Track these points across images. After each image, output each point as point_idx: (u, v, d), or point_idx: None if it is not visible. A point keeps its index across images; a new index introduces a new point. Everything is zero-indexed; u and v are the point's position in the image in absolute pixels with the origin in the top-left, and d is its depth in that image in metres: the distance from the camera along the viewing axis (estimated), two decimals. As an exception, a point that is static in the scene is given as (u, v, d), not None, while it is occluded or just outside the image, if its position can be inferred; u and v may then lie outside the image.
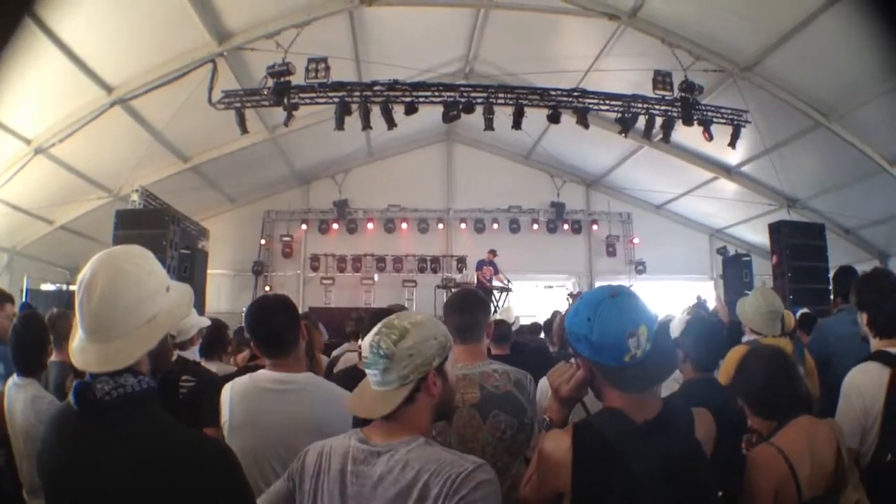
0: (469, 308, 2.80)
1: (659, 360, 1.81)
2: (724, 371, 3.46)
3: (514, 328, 7.07)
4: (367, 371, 1.81)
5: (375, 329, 1.81)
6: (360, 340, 5.44)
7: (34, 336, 3.45)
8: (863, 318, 2.98)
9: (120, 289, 1.61)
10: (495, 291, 14.27)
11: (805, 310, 7.35)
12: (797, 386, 2.48)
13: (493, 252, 14.71)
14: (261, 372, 2.65)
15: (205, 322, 4.45)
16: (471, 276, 15.68)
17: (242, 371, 3.47)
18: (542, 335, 8.60)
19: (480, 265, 14.48)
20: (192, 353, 4.41)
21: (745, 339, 4.06)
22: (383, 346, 1.75)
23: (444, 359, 1.81)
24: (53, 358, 3.84)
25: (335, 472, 1.77)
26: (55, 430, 1.68)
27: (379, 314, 3.48)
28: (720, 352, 3.36)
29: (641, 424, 1.72)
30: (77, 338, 1.65)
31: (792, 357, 2.73)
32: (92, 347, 1.61)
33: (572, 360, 1.91)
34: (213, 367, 4.40)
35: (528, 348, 5.80)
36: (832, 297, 5.12)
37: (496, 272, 14.42)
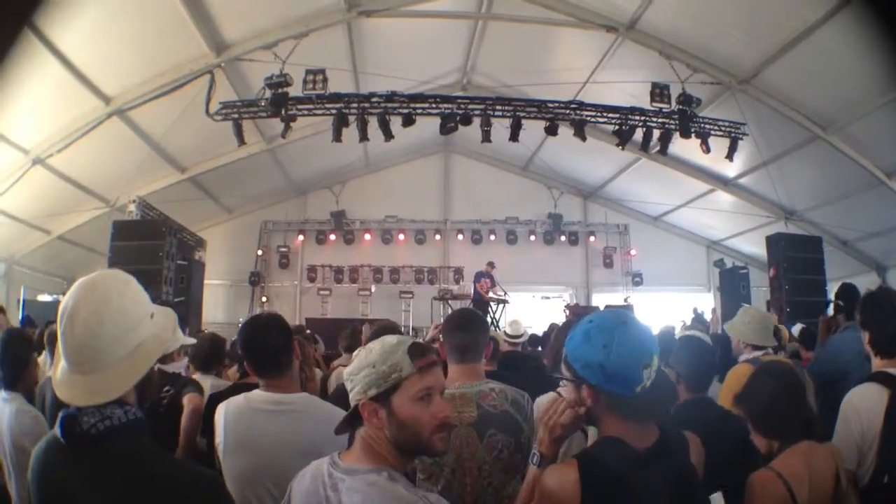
0: (469, 328, 2.79)
1: (662, 388, 1.81)
2: (727, 389, 3.43)
3: (523, 339, 7.10)
4: None
5: None
6: (353, 354, 5.43)
7: (18, 352, 3.47)
8: (865, 336, 2.98)
9: (103, 319, 1.57)
10: (492, 303, 14.24)
11: (802, 325, 7.33)
12: (802, 409, 2.48)
13: (491, 264, 14.69)
14: (255, 392, 2.63)
15: (189, 340, 4.43)
16: (468, 287, 15.66)
17: (234, 388, 3.46)
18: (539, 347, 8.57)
19: (479, 277, 14.45)
20: (175, 369, 4.38)
21: (742, 357, 4.01)
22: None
23: (383, 390, 1.72)
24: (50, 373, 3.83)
25: (304, 491, 1.76)
26: (43, 460, 1.65)
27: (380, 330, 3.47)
28: (713, 371, 3.33)
29: (643, 453, 1.69)
30: (60, 368, 1.62)
31: (801, 378, 2.72)
32: (77, 379, 1.58)
33: (561, 389, 1.87)
34: (209, 381, 4.34)
35: (525, 366, 5.76)
36: (832, 312, 5.05)
37: (493, 284, 14.39)
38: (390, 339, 1.81)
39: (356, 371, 1.74)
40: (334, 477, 1.72)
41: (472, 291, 14.52)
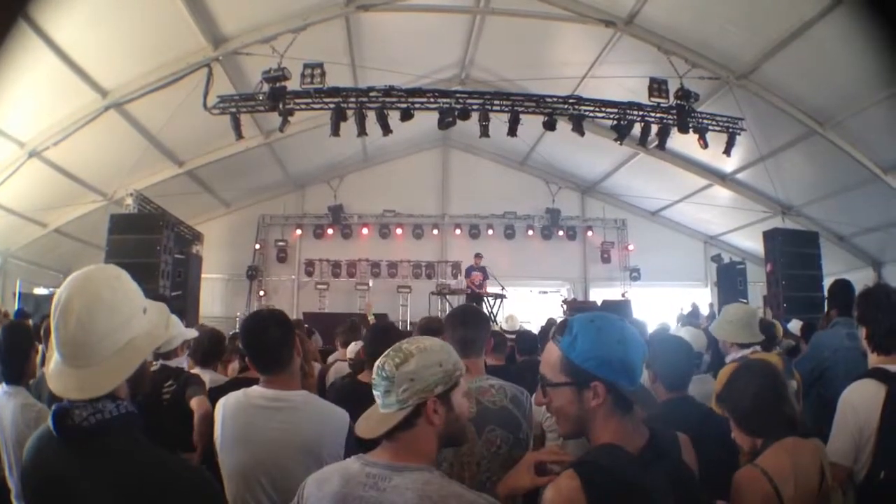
0: (471, 322, 2.80)
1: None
2: (718, 389, 3.44)
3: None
4: (374, 392, 1.81)
5: (385, 352, 1.82)
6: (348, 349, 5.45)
7: (20, 345, 3.43)
8: (863, 332, 3.00)
9: (95, 315, 1.57)
10: (488, 298, 14.21)
11: (800, 321, 7.35)
12: (785, 406, 2.45)
13: (478, 256, 14.64)
14: (254, 388, 2.62)
15: (191, 334, 4.42)
16: (463, 282, 15.67)
17: (233, 383, 3.45)
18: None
19: (469, 272, 14.42)
20: (177, 364, 4.38)
21: (730, 357, 3.98)
22: (386, 369, 1.75)
23: (449, 387, 1.78)
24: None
25: (334, 494, 1.72)
26: (36, 453, 1.66)
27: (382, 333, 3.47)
28: (691, 371, 3.31)
29: (640, 455, 1.66)
30: (54, 361, 1.63)
31: (783, 375, 2.70)
32: (69, 373, 1.59)
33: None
34: (207, 376, 4.34)
35: (527, 362, 5.78)
36: (826, 309, 5.09)
37: (486, 277, 14.33)
38: (432, 339, 1.86)
39: (421, 369, 1.74)
40: (374, 476, 1.71)
41: (466, 287, 14.48)
